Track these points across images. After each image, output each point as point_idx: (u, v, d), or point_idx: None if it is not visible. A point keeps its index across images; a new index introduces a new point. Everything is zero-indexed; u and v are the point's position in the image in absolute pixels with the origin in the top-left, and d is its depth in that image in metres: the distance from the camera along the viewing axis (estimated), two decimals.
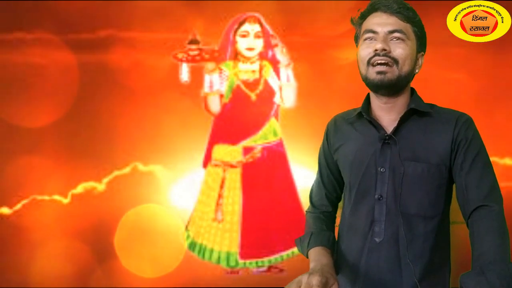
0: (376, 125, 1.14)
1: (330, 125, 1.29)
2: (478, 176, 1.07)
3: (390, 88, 1.10)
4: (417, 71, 1.14)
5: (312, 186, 1.35)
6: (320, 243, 1.17)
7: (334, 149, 1.25)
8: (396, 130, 1.12)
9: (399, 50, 1.07)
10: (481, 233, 1.02)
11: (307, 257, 1.17)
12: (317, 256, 1.12)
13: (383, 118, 1.16)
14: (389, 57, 1.07)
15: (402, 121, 1.12)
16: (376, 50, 1.07)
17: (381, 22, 1.08)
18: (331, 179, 1.29)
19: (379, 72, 1.08)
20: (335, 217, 1.32)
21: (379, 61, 1.07)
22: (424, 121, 1.13)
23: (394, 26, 1.08)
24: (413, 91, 1.18)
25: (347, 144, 1.20)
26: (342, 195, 1.30)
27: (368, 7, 1.13)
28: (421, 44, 1.13)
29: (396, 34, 1.07)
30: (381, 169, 1.12)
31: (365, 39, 1.11)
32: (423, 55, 1.14)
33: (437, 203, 1.13)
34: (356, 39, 1.18)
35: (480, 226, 1.03)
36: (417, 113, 1.13)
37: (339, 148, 1.23)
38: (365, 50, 1.10)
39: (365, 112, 1.16)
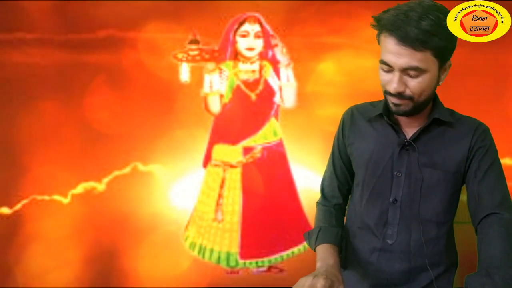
0: (396, 129, 1.14)
1: (346, 116, 1.26)
2: (491, 185, 1.08)
3: (406, 115, 1.10)
4: (440, 83, 1.09)
5: (324, 177, 1.33)
6: (328, 240, 1.17)
7: (349, 143, 1.24)
8: (416, 137, 1.12)
9: (414, 85, 1.03)
10: (489, 238, 1.02)
11: (315, 251, 1.17)
12: (324, 254, 1.12)
13: (404, 123, 1.15)
14: (404, 96, 1.04)
15: (423, 130, 1.12)
16: (391, 90, 1.04)
17: (395, 54, 1.00)
18: (344, 170, 1.28)
19: (394, 104, 1.07)
20: (345, 209, 1.31)
21: (393, 97, 1.05)
22: (443, 129, 1.13)
23: (409, 62, 0.99)
24: (435, 98, 1.16)
25: (364, 142, 1.19)
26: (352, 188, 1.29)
27: (385, 21, 1.01)
28: (445, 57, 1.04)
29: (411, 72, 1.01)
30: (397, 173, 1.13)
31: (382, 67, 1.06)
32: (450, 64, 1.07)
33: (450, 208, 1.14)
34: (378, 41, 1.10)
35: (489, 232, 1.03)
36: (438, 122, 1.13)
37: (354, 143, 1.22)
38: (383, 79, 1.07)
39: (386, 115, 1.15)
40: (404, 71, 1.01)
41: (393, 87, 1.03)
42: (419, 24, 0.97)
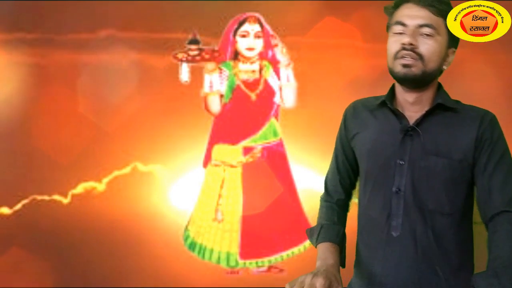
0: (398, 114, 1.12)
1: (348, 110, 1.25)
2: (502, 180, 1.06)
3: (415, 82, 1.08)
4: (445, 67, 1.11)
5: (327, 173, 1.32)
6: (329, 238, 1.15)
7: (351, 136, 1.22)
8: (419, 122, 1.10)
9: (426, 46, 1.05)
10: (500, 238, 1.01)
11: (316, 248, 1.16)
12: (324, 254, 1.11)
13: (407, 110, 1.13)
14: (415, 52, 1.05)
15: (426, 114, 1.10)
16: (403, 43, 1.05)
17: (412, 15, 1.06)
18: (346, 165, 1.26)
19: (404, 65, 1.06)
20: (348, 205, 1.29)
21: (404, 55, 1.06)
22: (448, 116, 1.11)
23: (424, 19, 1.05)
24: (439, 86, 1.15)
25: (365, 132, 1.17)
26: (357, 183, 1.28)
27: None
28: (453, 40, 1.10)
29: (426, 30, 1.05)
30: (400, 162, 1.10)
31: (395, 32, 1.09)
32: (454, 51, 1.11)
33: (456, 200, 1.10)
34: (388, 28, 1.14)
35: (500, 231, 1.02)
36: (442, 107, 1.11)
37: (356, 135, 1.20)
38: (393, 45, 1.08)
39: (389, 101, 1.13)
40: (419, 28, 1.05)
41: (406, 40, 1.05)
42: None
